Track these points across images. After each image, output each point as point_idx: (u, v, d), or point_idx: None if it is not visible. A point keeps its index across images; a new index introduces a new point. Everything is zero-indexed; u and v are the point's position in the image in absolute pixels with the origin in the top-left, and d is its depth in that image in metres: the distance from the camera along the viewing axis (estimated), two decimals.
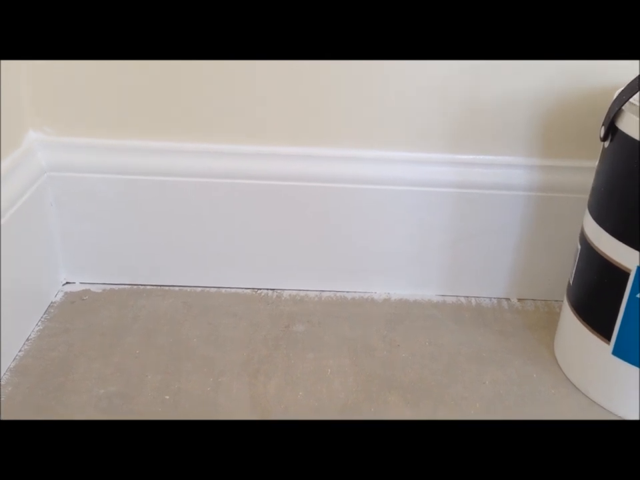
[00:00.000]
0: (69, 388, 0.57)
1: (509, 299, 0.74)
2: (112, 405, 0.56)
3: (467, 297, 0.74)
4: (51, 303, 0.68)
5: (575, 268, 0.61)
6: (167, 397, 0.57)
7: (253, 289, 0.73)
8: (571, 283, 0.61)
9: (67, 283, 0.72)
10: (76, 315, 0.67)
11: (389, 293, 0.73)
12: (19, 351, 0.62)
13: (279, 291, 0.73)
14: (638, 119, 0.50)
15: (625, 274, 0.53)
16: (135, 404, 0.56)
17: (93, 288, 0.71)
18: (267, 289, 0.73)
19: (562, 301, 0.64)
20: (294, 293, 0.73)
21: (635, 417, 0.57)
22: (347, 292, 0.73)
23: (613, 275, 0.55)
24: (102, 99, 0.64)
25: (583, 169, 0.65)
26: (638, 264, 0.52)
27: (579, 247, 0.60)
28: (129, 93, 0.64)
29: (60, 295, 0.70)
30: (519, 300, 0.74)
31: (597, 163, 0.58)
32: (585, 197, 0.60)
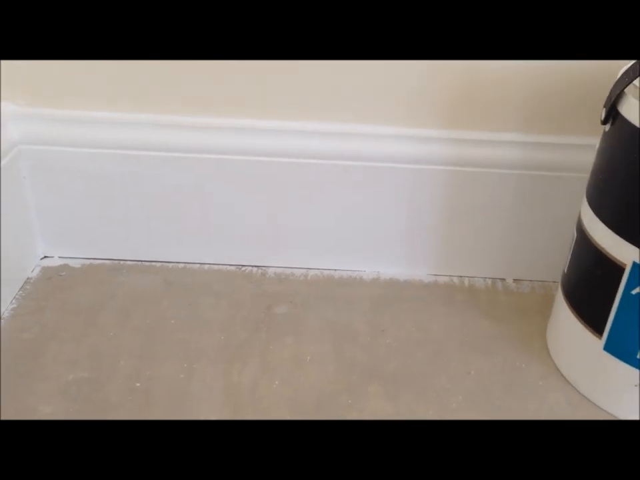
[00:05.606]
0: (38, 373, 0.56)
1: (504, 279, 0.71)
2: (80, 393, 0.54)
3: (460, 276, 0.71)
4: (27, 278, 0.67)
5: (570, 256, 0.57)
6: (138, 385, 0.55)
7: (237, 265, 0.70)
8: (565, 271, 0.58)
9: (46, 257, 0.70)
10: (52, 292, 0.65)
11: (378, 272, 0.71)
12: None
13: (263, 269, 0.70)
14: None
15: (620, 269, 0.50)
16: (103, 392, 0.54)
17: (72, 263, 0.69)
18: (252, 266, 0.70)
19: (559, 283, 0.61)
20: (279, 270, 0.70)
21: (623, 414, 0.55)
22: (335, 270, 0.71)
23: (607, 269, 0.51)
24: (77, 68, 0.60)
25: (584, 147, 0.61)
26: (634, 259, 0.49)
27: (575, 234, 0.56)
28: (105, 62, 0.60)
29: (37, 270, 0.68)
30: (515, 281, 0.71)
31: (598, 142, 0.53)
32: (586, 176, 0.56)
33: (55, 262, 0.69)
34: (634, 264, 0.49)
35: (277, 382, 0.57)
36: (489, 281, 0.70)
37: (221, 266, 0.70)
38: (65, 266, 0.69)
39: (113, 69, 0.60)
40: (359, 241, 0.69)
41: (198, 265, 0.70)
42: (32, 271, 0.68)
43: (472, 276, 0.71)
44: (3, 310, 0.62)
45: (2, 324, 0.61)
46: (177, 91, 0.61)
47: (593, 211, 0.52)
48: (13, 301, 0.64)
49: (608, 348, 0.53)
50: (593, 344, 0.54)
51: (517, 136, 0.62)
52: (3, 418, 0.51)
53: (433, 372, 0.59)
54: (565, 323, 0.58)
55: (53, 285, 0.66)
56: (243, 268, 0.70)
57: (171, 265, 0.70)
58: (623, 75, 0.48)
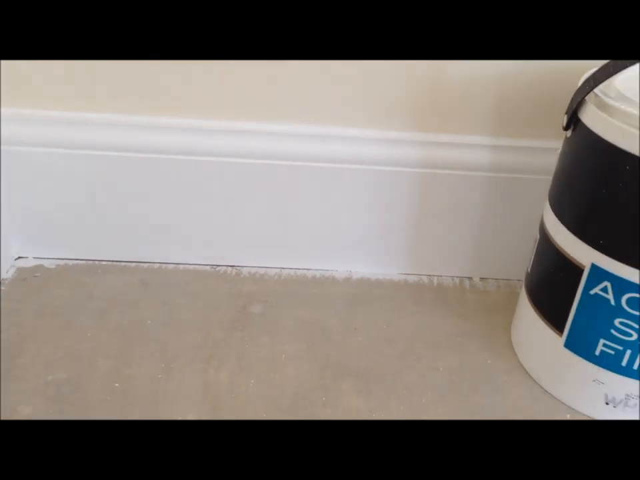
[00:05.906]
0: (17, 374, 0.57)
1: (471, 278, 0.73)
2: (60, 393, 0.55)
3: (429, 275, 0.73)
4: (2, 280, 0.67)
5: (533, 256, 0.60)
6: (117, 385, 0.56)
7: (212, 265, 0.72)
8: (529, 271, 0.61)
9: (20, 257, 0.70)
10: (27, 293, 0.65)
11: (350, 271, 0.73)
12: None
13: (238, 268, 0.72)
14: (599, 112, 0.49)
15: (579, 270, 0.53)
16: (83, 392, 0.55)
17: (47, 263, 0.69)
18: (227, 266, 0.72)
19: (523, 281, 0.63)
20: (253, 270, 0.71)
21: (583, 408, 0.57)
22: (308, 269, 0.72)
23: (568, 270, 0.54)
24: (51, 67, 0.61)
25: (550, 150, 0.63)
26: (593, 261, 0.52)
27: (538, 236, 0.59)
28: (84, 61, 0.60)
29: (12, 271, 0.68)
30: (481, 279, 0.73)
31: (560, 146, 0.56)
32: (550, 178, 0.59)
33: (29, 262, 0.69)
34: (592, 265, 0.52)
35: (253, 380, 0.58)
36: (457, 280, 0.73)
37: (196, 266, 0.71)
38: (40, 266, 0.69)
39: (88, 68, 0.61)
40: (331, 241, 0.71)
41: (173, 265, 0.71)
42: (7, 272, 0.68)
43: (440, 275, 0.73)
44: None
45: None
46: (150, 91, 0.62)
47: (555, 214, 0.55)
48: None
49: (568, 345, 0.56)
50: (554, 341, 0.57)
51: (486, 139, 0.65)
52: None
53: (403, 369, 0.61)
54: (528, 321, 0.61)
55: (28, 285, 0.67)
56: (218, 268, 0.72)
57: (146, 265, 0.71)
58: (584, 83, 0.50)
